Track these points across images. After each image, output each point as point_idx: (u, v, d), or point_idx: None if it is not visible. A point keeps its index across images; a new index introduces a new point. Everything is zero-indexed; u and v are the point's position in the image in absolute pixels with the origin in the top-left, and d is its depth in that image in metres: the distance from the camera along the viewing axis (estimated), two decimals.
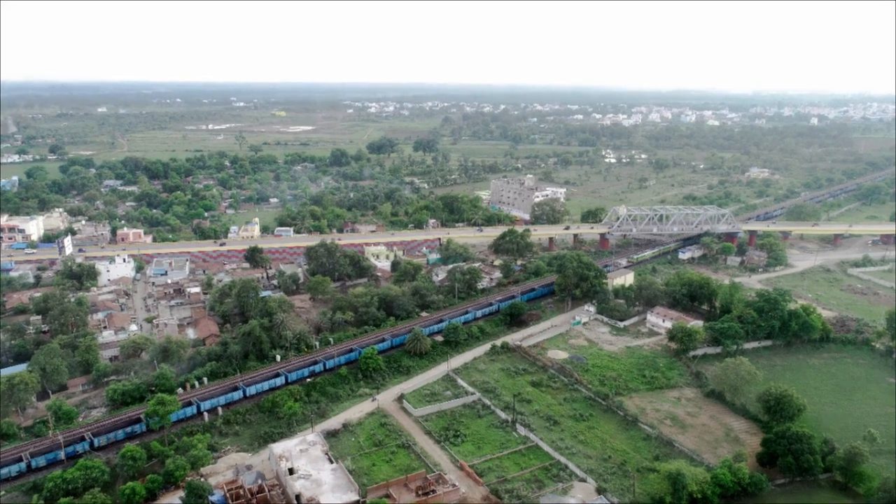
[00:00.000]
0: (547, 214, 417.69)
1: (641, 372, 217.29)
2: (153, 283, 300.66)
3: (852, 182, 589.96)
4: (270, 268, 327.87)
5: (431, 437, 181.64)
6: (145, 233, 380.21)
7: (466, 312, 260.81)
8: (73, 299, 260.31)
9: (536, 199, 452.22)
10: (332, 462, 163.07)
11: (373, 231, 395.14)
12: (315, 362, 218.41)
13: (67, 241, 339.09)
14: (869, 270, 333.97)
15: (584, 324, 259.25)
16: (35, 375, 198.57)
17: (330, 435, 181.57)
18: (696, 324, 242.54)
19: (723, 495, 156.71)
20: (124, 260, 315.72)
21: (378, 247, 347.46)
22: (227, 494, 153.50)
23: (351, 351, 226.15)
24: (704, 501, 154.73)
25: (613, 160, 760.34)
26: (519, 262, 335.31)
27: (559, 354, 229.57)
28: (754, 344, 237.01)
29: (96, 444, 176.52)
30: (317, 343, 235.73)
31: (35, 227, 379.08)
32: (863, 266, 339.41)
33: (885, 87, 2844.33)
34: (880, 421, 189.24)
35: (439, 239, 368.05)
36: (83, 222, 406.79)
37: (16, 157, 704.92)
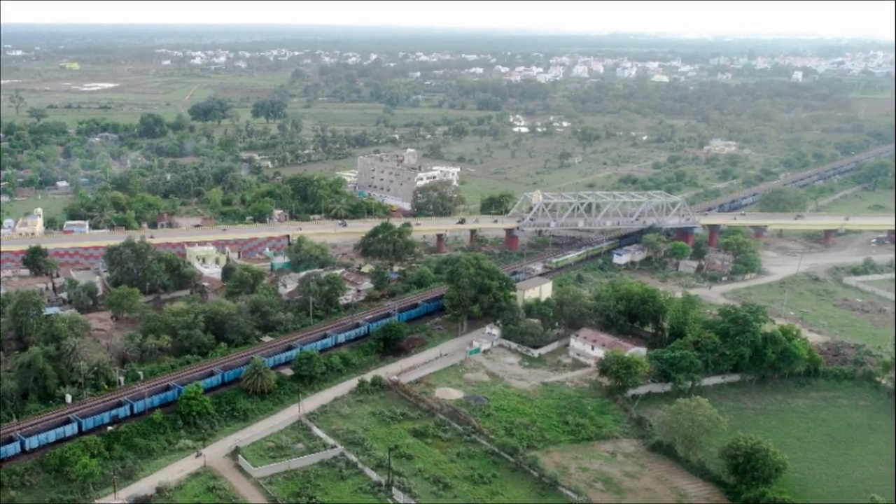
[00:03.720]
0: (434, 203, 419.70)
1: (563, 417, 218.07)
2: None
3: (849, 159, 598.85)
4: (58, 275, 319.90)
5: None
6: None
7: (325, 336, 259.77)
8: None
9: (420, 183, 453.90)
10: None
11: (197, 226, 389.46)
12: (119, 404, 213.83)
13: None
14: (871, 279, 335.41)
15: (485, 352, 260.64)
16: None
17: (140, 503, 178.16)
18: (638, 352, 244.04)
19: None
20: None
21: (205, 247, 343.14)
22: None
23: (168, 389, 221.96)
24: None
25: (525, 129, 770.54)
26: (396, 268, 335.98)
27: (451, 394, 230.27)
28: (716, 379, 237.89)
29: None
30: (121, 378, 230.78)
31: None
32: (863, 273, 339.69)
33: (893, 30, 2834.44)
34: (887, 484, 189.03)
35: (288, 236, 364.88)
36: None
37: None
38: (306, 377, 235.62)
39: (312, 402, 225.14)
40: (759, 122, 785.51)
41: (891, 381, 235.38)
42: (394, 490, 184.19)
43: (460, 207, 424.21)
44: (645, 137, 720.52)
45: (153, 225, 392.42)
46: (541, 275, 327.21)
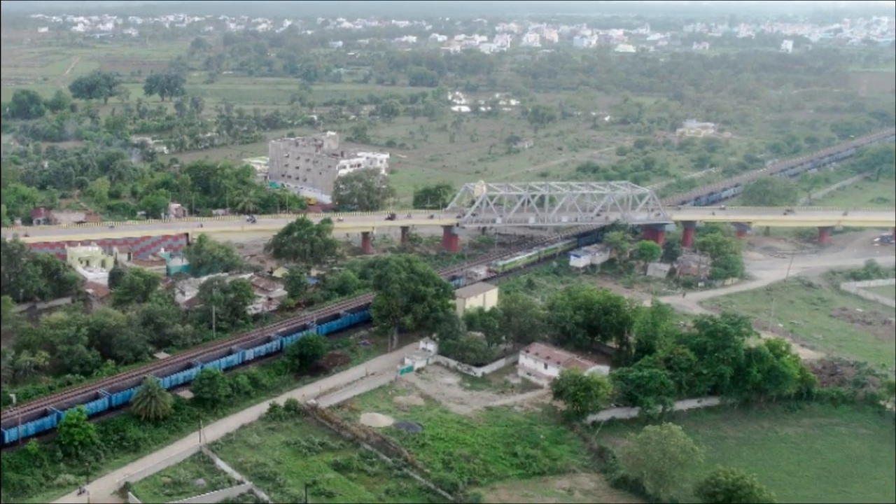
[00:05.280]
0: (359, 196, 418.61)
1: (511, 448, 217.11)
2: None
3: (848, 143, 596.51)
4: None
5: None
6: None
7: (230, 352, 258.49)
8: None
9: (342, 172, 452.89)
10: None
11: (80, 222, 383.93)
12: None
13: None
14: (874, 285, 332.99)
15: (419, 370, 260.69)
16: None
17: None
18: (599, 371, 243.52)
19: None
20: None
21: (89, 247, 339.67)
22: None
23: (45, 414, 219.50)
24: None
25: (466, 108, 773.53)
26: (314, 273, 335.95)
27: (379, 420, 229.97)
28: (692, 403, 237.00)
29: None
30: None
31: None
32: (864, 278, 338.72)
33: None
34: None
35: (186, 235, 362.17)
36: None
37: None
38: (208, 400, 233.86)
39: (216, 429, 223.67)
40: (741, 101, 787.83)
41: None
42: None
43: (390, 201, 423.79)
44: (607, 118, 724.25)
45: (28, 221, 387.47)
46: (484, 280, 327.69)
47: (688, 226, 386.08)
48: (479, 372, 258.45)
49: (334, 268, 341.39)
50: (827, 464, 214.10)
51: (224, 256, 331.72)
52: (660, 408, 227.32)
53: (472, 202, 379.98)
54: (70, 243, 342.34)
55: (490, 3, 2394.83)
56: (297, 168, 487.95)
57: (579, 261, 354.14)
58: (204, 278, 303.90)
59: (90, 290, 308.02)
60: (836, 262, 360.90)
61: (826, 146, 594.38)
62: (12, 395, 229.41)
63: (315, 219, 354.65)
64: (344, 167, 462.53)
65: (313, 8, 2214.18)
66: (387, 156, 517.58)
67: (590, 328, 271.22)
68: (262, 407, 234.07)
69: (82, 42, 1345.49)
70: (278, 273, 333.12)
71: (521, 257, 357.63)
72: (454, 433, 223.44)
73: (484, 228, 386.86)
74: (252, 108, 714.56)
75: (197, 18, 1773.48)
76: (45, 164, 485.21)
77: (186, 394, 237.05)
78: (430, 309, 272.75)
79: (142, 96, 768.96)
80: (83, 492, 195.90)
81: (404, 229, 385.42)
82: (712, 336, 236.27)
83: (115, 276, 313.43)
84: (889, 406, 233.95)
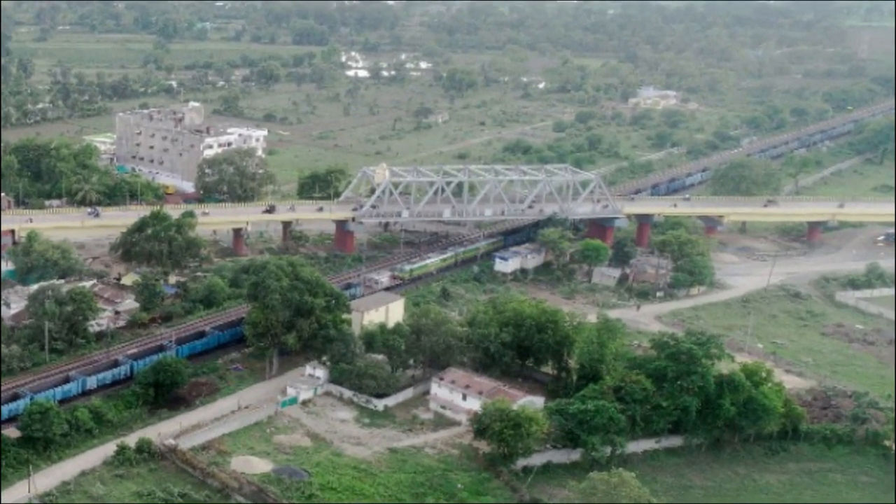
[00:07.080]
0: (230, 183, 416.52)
1: (420, 500, 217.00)
2: None
3: (845, 117, 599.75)
4: None
5: None
6: None
7: (67, 380, 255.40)
8: None
9: (209, 153, 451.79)
10: None
11: None
12: None
13: None
14: (876, 296, 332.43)
15: (306, 403, 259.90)
16: None
17: None
18: (531, 403, 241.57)
19: None
20: None
21: None
22: None
23: None
24: None
25: (365, 73, 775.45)
26: (173, 280, 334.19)
27: (255, 465, 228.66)
28: (649, 444, 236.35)
29: None
30: None
31: None
32: (865, 287, 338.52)
33: None
34: None
35: (13, 232, 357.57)
36: None
37: None
38: (40, 440, 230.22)
39: (49, 476, 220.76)
40: (710, 63, 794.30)
41: None
42: None
43: (268, 189, 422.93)
44: (542, 85, 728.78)
45: None
46: (387, 289, 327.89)
47: (643, 221, 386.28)
48: (380, 404, 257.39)
49: (198, 273, 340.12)
50: None
51: (60, 259, 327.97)
52: (608, 449, 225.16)
53: (372, 191, 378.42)
54: None
55: None
56: (152, 148, 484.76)
57: (506, 265, 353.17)
58: (34, 287, 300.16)
59: None
60: (829, 267, 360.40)
61: (817, 120, 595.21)
62: None
63: (174, 212, 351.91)
64: (210, 147, 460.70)
65: None
66: (264, 132, 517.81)
67: (520, 349, 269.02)
68: (108, 448, 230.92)
69: None
70: (128, 280, 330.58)
71: (433, 260, 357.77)
72: (349, 481, 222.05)
73: (387, 224, 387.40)
74: (95, 73, 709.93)
75: None
76: None
77: (12, 432, 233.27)
78: (318, 325, 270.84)
79: None
80: None
81: (286, 225, 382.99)
82: (674, 360, 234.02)
83: None
84: (893, 447, 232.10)
